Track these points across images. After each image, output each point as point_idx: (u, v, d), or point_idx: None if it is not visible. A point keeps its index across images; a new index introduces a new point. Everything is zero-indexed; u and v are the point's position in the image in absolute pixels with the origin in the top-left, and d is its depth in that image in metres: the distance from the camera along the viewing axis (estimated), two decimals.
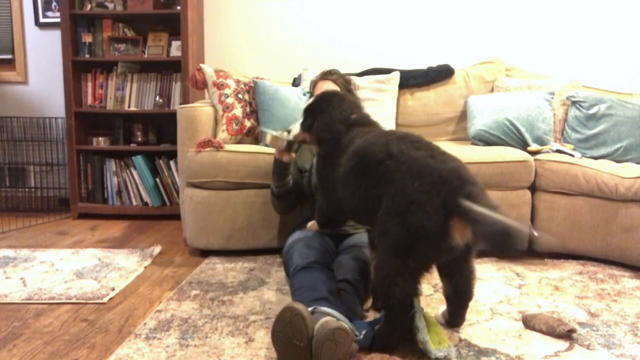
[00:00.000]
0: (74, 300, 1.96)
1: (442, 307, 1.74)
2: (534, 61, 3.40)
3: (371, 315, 1.79)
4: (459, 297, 1.63)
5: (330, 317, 1.42)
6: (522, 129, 2.80)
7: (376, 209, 1.49)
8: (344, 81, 2.43)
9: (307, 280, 1.68)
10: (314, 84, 2.45)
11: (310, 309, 1.47)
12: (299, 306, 1.39)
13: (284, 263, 2.11)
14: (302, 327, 1.37)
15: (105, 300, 1.96)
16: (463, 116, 3.13)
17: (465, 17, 3.50)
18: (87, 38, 3.47)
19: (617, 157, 2.72)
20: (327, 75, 2.43)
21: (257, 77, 2.96)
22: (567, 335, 1.61)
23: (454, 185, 1.36)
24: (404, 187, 1.40)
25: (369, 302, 1.86)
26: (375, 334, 1.52)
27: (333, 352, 1.36)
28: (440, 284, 2.12)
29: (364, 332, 1.53)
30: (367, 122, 1.83)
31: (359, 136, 1.72)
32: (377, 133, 1.69)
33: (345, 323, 1.44)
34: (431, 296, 2.00)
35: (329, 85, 2.35)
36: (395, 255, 1.42)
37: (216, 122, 2.81)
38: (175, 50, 3.42)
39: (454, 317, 1.68)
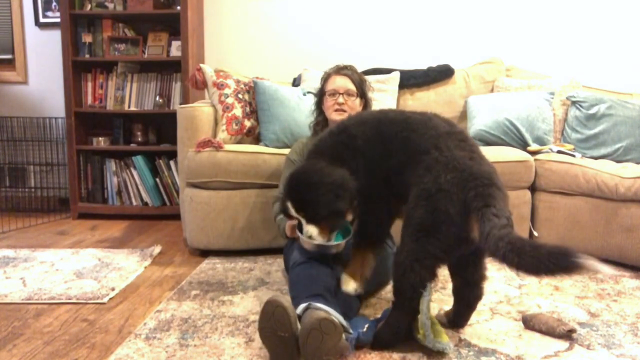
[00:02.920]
0: (74, 300, 1.96)
1: (445, 307, 1.74)
2: (534, 61, 3.40)
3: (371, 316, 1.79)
4: (467, 296, 1.63)
5: (321, 311, 1.42)
6: (522, 129, 2.80)
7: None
8: (359, 78, 2.28)
9: (304, 276, 1.66)
10: (326, 76, 2.31)
11: (304, 305, 1.47)
12: (280, 298, 1.41)
13: (284, 261, 2.10)
14: (285, 317, 1.38)
15: (105, 300, 1.96)
16: (463, 116, 3.13)
17: (465, 17, 3.50)
18: (87, 38, 3.47)
19: (617, 157, 2.72)
20: (342, 69, 2.28)
21: (257, 77, 2.96)
22: (567, 335, 1.61)
23: (481, 183, 1.40)
24: (438, 177, 1.43)
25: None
26: (380, 327, 1.51)
27: (319, 343, 1.35)
28: (440, 284, 2.13)
29: (367, 325, 1.53)
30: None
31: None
32: (420, 119, 1.63)
33: (337, 319, 1.43)
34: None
35: (343, 80, 2.23)
36: (416, 239, 1.44)
37: (216, 122, 2.81)
38: (175, 50, 3.42)
39: (458, 317, 1.67)
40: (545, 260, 1.19)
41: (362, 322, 1.56)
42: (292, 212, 1.65)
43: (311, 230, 1.62)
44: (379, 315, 1.71)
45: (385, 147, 1.60)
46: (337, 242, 1.66)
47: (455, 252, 1.49)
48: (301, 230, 1.68)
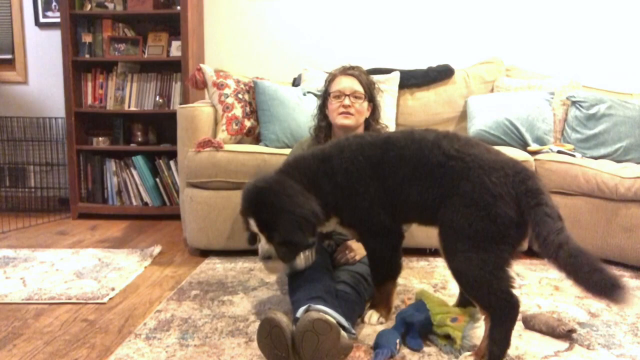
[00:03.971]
0: (74, 300, 1.96)
1: None
2: (534, 61, 3.40)
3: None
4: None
5: (314, 312, 1.40)
6: (522, 129, 2.80)
7: (436, 207, 1.49)
8: (367, 80, 2.09)
9: (304, 280, 1.67)
10: (331, 77, 2.12)
11: (304, 307, 1.46)
12: (277, 316, 1.38)
13: None
14: (282, 338, 1.35)
15: (105, 300, 1.96)
16: (463, 116, 3.13)
17: (465, 17, 3.50)
18: (87, 38, 3.47)
19: (617, 157, 2.72)
20: (348, 70, 2.10)
21: (257, 77, 2.96)
22: (567, 335, 1.61)
23: (525, 176, 1.42)
24: (482, 183, 1.41)
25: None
26: (489, 346, 1.42)
27: (315, 345, 1.33)
28: (439, 283, 2.13)
29: (398, 341, 1.51)
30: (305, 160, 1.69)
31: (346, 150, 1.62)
32: (403, 136, 1.61)
33: (335, 318, 1.42)
34: None
35: (350, 81, 2.06)
36: (485, 251, 1.40)
37: (216, 122, 2.81)
38: (175, 50, 3.42)
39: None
40: (596, 286, 1.23)
41: (393, 337, 1.52)
42: (255, 228, 1.59)
43: (268, 250, 1.57)
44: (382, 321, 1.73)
45: (375, 171, 1.59)
46: (306, 256, 1.63)
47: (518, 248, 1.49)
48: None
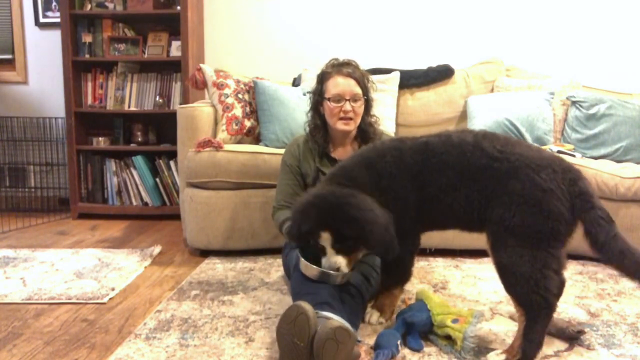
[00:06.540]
0: (74, 300, 1.96)
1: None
2: (534, 61, 3.40)
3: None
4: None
5: (335, 320, 1.41)
6: (522, 129, 2.80)
7: (483, 210, 1.50)
8: (361, 76, 2.02)
9: (307, 284, 1.64)
10: (326, 76, 2.04)
11: None
12: (306, 306, 1.38)
13: (283, 264, 2.10)
14: (305, 327, 1.35)
15: (105, 300, 1.96)
16: (463, 116, 3.13)
17: (465, 17, 3.50)
18: (87, 38, 3.47)
19: (617, 157, 2.72)
20: (343, 67, 2.01)
21: (257, 77, 2.96)
22: (577, 336, 1.60)
23: (575, 176, 1.45)
24: (532, 179, 1.42)
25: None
26: (524, 345, 1.43)
27: (334, 353, 1.34)
28: (439, 283, 2.13)
29: (399, 342, 1.52)
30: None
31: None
32: (441, 141, 1.61)
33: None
34: None
35: (347, 83, 1.98)
36: (536, 247, 1.40)
37: (216, 122, 2.81)
38: (175, 50, 3.42)
39: None
40: None
41: (394, 338, 1.52)
42: (328, 242, 1.56)
43: (340, 261, 1.57)
44: (387, 322, 1.73)
45: (416, 179, 1.59)
46: (344, 272, 1.59)
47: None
48: (304, 256, 1.63)
